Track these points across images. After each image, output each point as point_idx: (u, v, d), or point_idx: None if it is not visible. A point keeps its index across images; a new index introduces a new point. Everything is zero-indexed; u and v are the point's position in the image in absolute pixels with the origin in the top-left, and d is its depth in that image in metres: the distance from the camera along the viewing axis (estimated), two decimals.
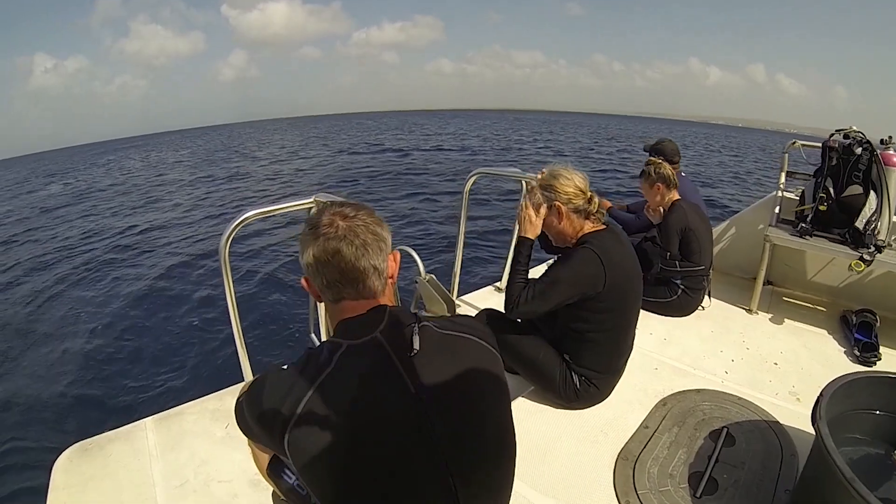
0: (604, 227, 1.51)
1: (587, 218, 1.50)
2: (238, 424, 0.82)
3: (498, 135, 31.86)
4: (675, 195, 2.24)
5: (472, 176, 2.38)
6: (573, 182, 1.49)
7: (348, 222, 0.76)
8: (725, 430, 1.50)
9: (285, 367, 0.76)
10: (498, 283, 2.80)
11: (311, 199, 1.73)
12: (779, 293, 2.56)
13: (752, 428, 1.52)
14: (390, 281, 0.83)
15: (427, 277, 2.58)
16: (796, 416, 1.57)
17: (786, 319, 2.24)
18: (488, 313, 1.75)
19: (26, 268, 7.00)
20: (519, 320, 1.80)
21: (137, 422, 1.60)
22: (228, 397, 1.76)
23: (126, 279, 5.92)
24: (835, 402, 1.22)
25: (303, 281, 0.82)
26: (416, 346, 0.72)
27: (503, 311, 1.78)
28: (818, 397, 1.19)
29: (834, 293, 2.45)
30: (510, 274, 1.53)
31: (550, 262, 1.64)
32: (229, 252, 1.59)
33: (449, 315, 2.46)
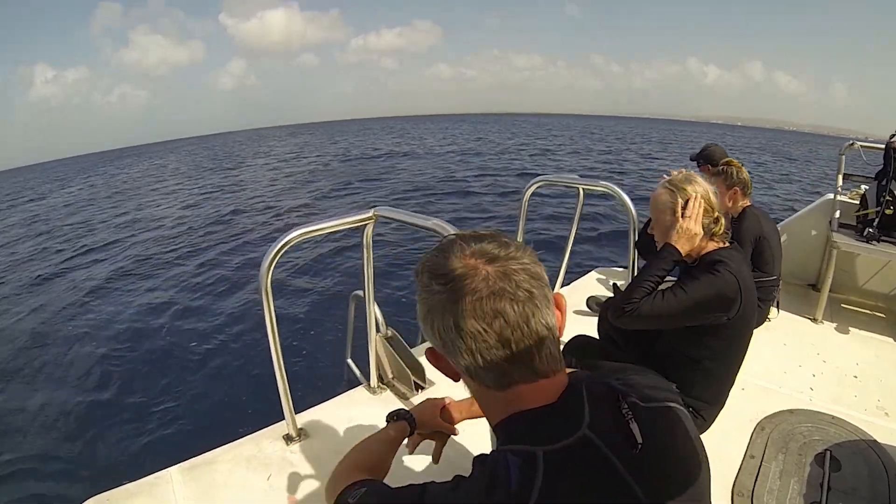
0: (730, 244, 1.50)
1: (711, 238, 1.47)
2: None
3: (496, 138, 32.85)
4: (748, 201, 2.25)
5: (533, 184, 2.36)
6: (708, 195, 1.44)
7: (500, 266, 0.55)
8: (828, 453, 1.57)
9: (449, 486, 0.57)
10: None
11: (370, 214, 1.63)
12: (836, 300, 2.68)
13: (853, 449, 1.60)
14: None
15: None
16: (890, 432, 1.67)
17: (851, 328, 2.35)
18: (578, 340, 1.74)
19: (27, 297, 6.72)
20: (598, 340, 1.80)
21: (161, 472, 1.53)
22: (266, 441, 1.71)
23: (139, 299, 5.76)
24: None
25: (430, 356, 0.63)
26: (639, 437, 0.55)
27: (592, 336, 1.78)
28: None
29: (891, 299, 2.58)
30: (639, 276, 1.47)
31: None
32: (272, 278, 1.51)
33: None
